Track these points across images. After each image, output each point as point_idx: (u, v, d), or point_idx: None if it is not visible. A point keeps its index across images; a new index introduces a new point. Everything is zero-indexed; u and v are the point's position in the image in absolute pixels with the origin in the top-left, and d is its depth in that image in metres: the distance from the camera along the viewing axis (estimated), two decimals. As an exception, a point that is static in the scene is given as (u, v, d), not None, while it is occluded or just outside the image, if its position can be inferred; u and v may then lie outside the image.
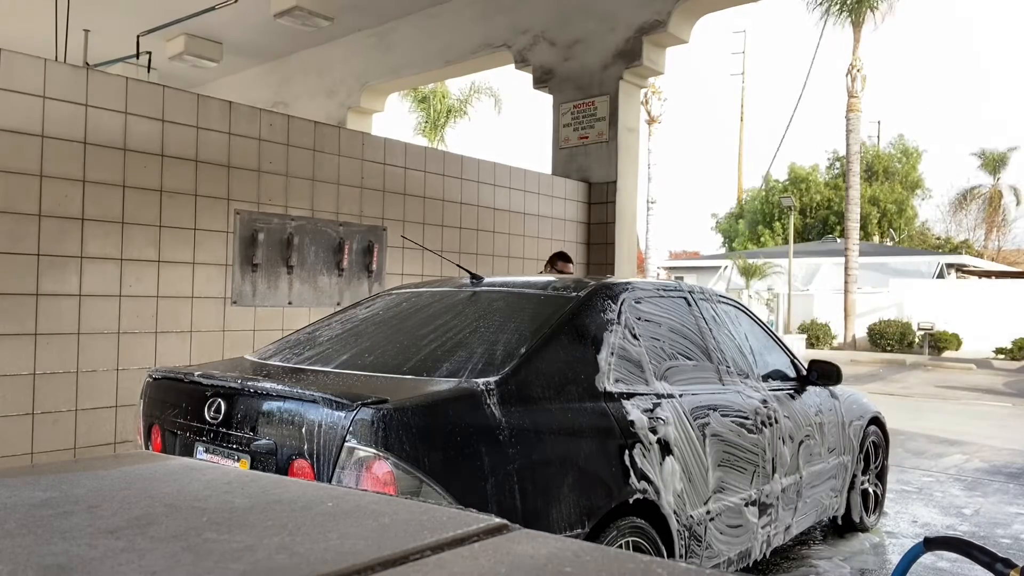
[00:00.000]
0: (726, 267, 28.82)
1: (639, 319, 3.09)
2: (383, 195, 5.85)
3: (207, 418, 2.48)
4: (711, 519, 3.02)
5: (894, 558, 4.13)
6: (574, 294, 2.98)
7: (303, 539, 0.79)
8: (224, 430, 2.43)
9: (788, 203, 25.09)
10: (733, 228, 38.29)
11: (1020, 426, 9.02)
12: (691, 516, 2.89)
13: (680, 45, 7.78)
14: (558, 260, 5.97)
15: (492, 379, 2.39)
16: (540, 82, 8.27)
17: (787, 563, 4.00)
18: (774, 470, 3.48)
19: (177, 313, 4.57)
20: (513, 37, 8.51)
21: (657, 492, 2.70)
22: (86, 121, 4.21)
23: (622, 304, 3.04)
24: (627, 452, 2.63)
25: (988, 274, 27.10)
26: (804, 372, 4.08)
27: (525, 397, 2.45)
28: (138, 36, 9.27)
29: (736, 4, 7.83)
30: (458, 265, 4.02)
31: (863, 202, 27.79)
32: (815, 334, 22.55)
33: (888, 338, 21.07)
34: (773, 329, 4.78)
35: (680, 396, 3.01)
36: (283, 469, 2.23)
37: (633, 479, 2.62)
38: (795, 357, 4.17)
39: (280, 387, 2.34)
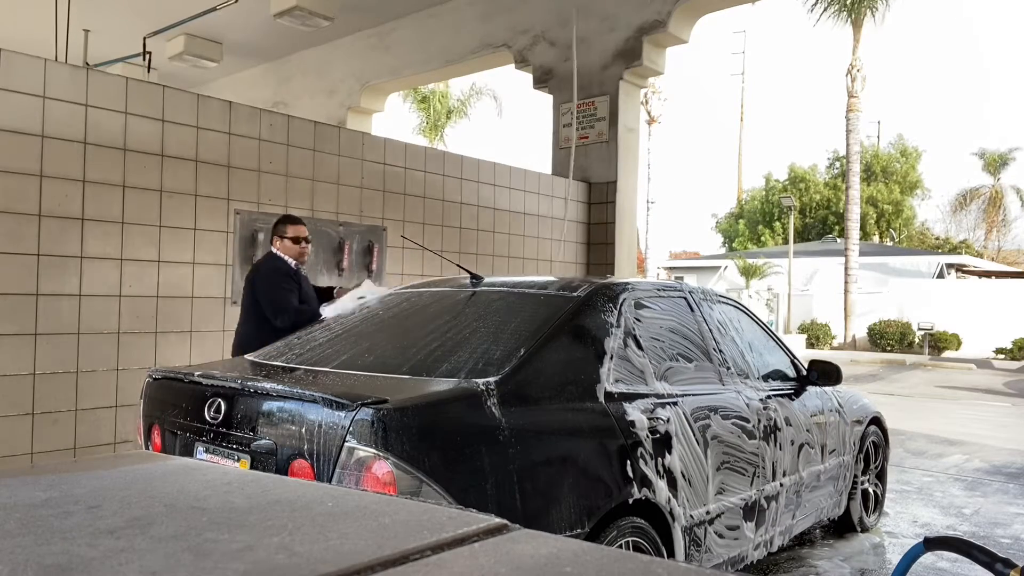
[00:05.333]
0: (726, 267, 28.82)
1: (639, 320, 3.09)
2: (383, 195, 5.85)
3: (207, 418, 2.48)
4: (711, 520, 3.02)
5: (894, 558, 4.13)
6: (574, 294, 2.98)
7: (303, 539, 0.79)
8: (224, 430, 2.43)
9: (788, 203, 25.09)
10: (733, 228, 38.29)
11: (1020, 426, 9.02)
12: (691, 516, 2.89)
13: (680, 45, 7.78)
14: (288, 225, 4.24)
15: (492, 379, 2.39)
16: (540, 82, 8.27)
17: (787, 563, 4.00)
18: (774, 471, 3.48)
19: (177, 313, 4.57)
20: (513, 37, 8.51)
21: (656, 492, 2.70)
22: (86, 121, 4.21)
23: (622, 304, 3.04)
24: (627, 452, 2.63)
25: (988, 274, 27.10)
26: (804, 372, 4.07)
27: (525, 397, 2.45)
28: (144, 38, 9.27)
29: (736, 4, 7.83)
30: (458, 265, 4.02)
31: (861, 202, 27.79)
32: (815, 334, 22.55)
33: (888, 338, 21.07)
34: (773, 329, 4.77)
35: (680, 397, 3.01)
36: (283, 469, 2.23)
37: (633, 479, 2.62)
38: (795, 357, 4.17)
39: (280, 387, 2.34)
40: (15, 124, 3.94)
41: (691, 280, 27.46)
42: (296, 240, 4.23)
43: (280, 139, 5.17)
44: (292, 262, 4.19)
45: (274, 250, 4.26)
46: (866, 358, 19.11)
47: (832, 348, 22.35)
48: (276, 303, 4.02)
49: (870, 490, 4.60)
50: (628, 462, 2.62)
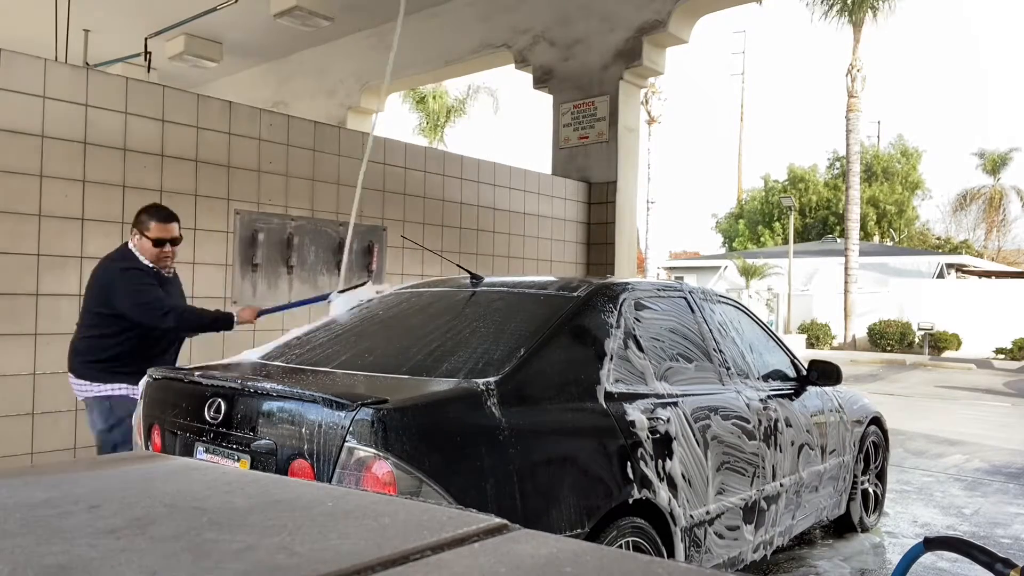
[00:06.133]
0: (726, 267, 28.82)
1: (639, 320, 3.09)
2: (383, 195, 5.85)
3: (207, 418, 2.48)
4: (711, 520, 3.02)
5: (894, 558, 4.13)
6: (574, 294, 2.98)
7: (303, 539, 0.79)
8: (224, 430, 2.43)
9: (788, 203, 25.09)
10: (733, 228, 38.30)
11: (1020, 426, 9.02)
12: (691, 517, 2.89)
13: (680, 45, 7.78)
14: (153, 221, 3.40)
15: (492, 379, 2.39)
16: (540, 82, 8.28)
17: (787, 563, 4.00)
18: (774, 471, 3.48)
19: (177, 313, 4.56)
20: (513, 37, 8.51)
21: (656, 493, 2.70)
22: (86, 121, 4.21)
23: (622, 304, 3.04)
24: (627, 453, 2.63)
25: (988, 274, 27.10)
26: (804, 372, 4.07)
27: (525, 397, 2.45)
28: (146, 39, 9.28)
29: (736, 4, 7.83)
30: (458, 265, 4.01)
31: (862, 203, 27.79)
32: (815, 334, 22.55)
33: (888, 338, 21.07)
34: (773, 329, 4.77)
35: (680, 397, 3.01)
36: (283, 469, 2.22)
37: (633, 480, 2.62)
38: (795, 357, 4.17)
39: (280, 387, 2.34)
40: (15, 124, 3.94)
41: (691, 280, 27.46)
42: (159, 242, 3.39)
43: (280, 139, 5.17)
44: (147, 262, 3.42)
45: (130, 245, 3.44)
46: (866, 358, 19.11)
47: (832, 348, 22.34)
48: (150, 304, 3.31)
49: (870, 490, 4.60)
50: (628, 462, 2.62)
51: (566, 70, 8.03)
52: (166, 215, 3.45)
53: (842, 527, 4.49)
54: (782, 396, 3.74)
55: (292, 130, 5.25)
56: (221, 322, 3.55)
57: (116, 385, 3.40)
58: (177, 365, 3.53)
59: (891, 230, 34.01)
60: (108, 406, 3.40)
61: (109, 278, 3.35)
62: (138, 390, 3.22)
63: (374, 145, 5.84)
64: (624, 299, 3.08)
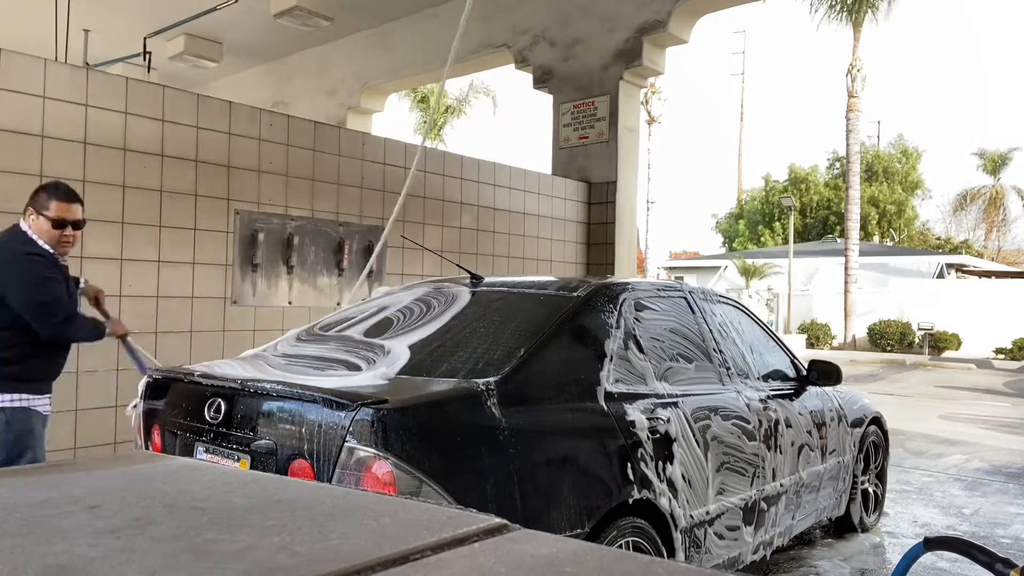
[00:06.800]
0: (726, 267, 28.82)
1: (639, 320, 3.09)
2: (383, 195, 5.85)
3: (207, 418, 2.48)
4: (711, 521, 3.02)
5: (894, 558, 4.13)
6: (574, 294, 2.98)
7: (303, 539, 0.79)
8: (224, 430, 2.43)
9: (788, 203, 25.10)
10: (733, 228, 38.30)
11: (1020, 426, 9.01)
12: (691, 517, 2.89)
13: (680, 45, 7.78)
14: (53, 200, 2.97)
15: (492, 379, 2.39)
16: (540, 82, 8.27)
17: (787, 563, 4.00)
18: (774, 471, 3.48)
19: (177, 313, 4.57)
20: (513, 37, 8.51)
21: (656, 493, 2.70)
22: (86, 121, 4.21)
23: (622, 304, 3.04)
24: (627, 453, 2.63)
25: (988, 274, 27.09)
26: (804, 372, 4.07)
27: (525, 397, 2.45)
28: (144, 38, 9.28)
29: (736, 4, 7.83)
30: (458, 265, 4.01)
31: (862, 203, 27.78)
32: (815, 334, 22.55)
33: (888, 338, 21.07)
34: (773, 329, 4.77)
35: (681, 397, 3.01)
36: (283, 469, 2.23)
37: (633, 479, 2.62)
38: (795, 357, 4.17)
39: (280, 387, 2.34)
40: (15, 124, 3.94)
41: (691, 280, 27.46)
42: (59, 223, 2.94)
43: (280, 139, 5.17)
44: (47, 247, 2.95)
45: (22, 226, 2.96)
46: (866, 358, 19.10)
47: (832, 348, 22.34)
48: (49, 306, 2.86)
49: (870, 490, 4.60)
50: (628, 463, 2.62)
51: (566, 70, 8.03)
52: (68, 193, 3.03)
53: (842, 527, 4.49)
54: (782, 396, 3.74)
55: (292, 130, 5.24)
56: (99, 334, 3.18)
57: (15, 395, 2.91)
58: (176, 367, 3.47)
59: (891, 230, 34.00)
60: (4, 420, 2.88)
61: (4, 260, 2.87)
62: (39, 402, 2.97)
63: (380, 146, 5.84)
64: (624, 299, 3.08)
